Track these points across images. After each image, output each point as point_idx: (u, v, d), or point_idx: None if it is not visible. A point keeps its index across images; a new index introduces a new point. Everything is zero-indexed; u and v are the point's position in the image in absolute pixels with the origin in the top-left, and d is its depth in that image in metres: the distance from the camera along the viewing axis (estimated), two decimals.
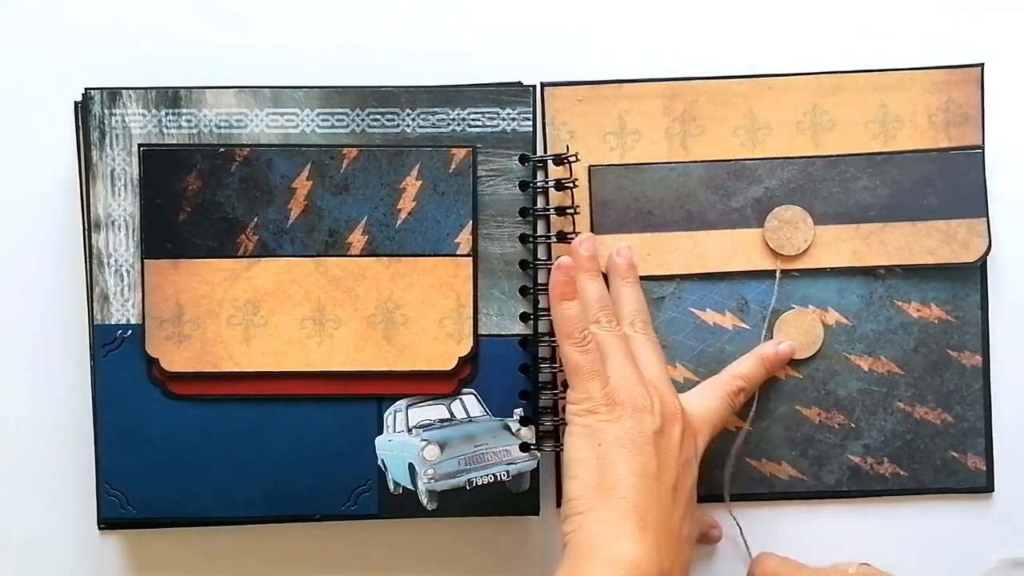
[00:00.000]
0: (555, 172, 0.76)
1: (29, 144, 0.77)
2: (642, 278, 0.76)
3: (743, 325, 0.77)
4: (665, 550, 0.65)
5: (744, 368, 0.75)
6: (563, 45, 0.78)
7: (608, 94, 0.77)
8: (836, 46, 0.78)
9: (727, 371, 0.75)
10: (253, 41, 0.78)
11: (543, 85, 0.77)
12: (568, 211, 0.76)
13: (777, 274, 0.77)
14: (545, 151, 0.77)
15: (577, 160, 0.76)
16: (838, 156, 0.76)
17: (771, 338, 0.77)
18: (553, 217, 0.76)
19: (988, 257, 0.76)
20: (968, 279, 0.77)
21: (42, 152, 0.77)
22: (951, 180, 0.76)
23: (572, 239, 0.75)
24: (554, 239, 0.76)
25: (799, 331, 0.77)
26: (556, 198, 0.76)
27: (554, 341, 0.75)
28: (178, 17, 0.78)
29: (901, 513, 0.78)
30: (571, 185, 0.75)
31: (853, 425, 0.77)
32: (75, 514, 0.77)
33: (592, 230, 0.76)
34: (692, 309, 0.77)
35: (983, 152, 0.76)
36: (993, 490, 0.77)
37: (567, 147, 0.76)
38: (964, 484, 0.77)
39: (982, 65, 0.77)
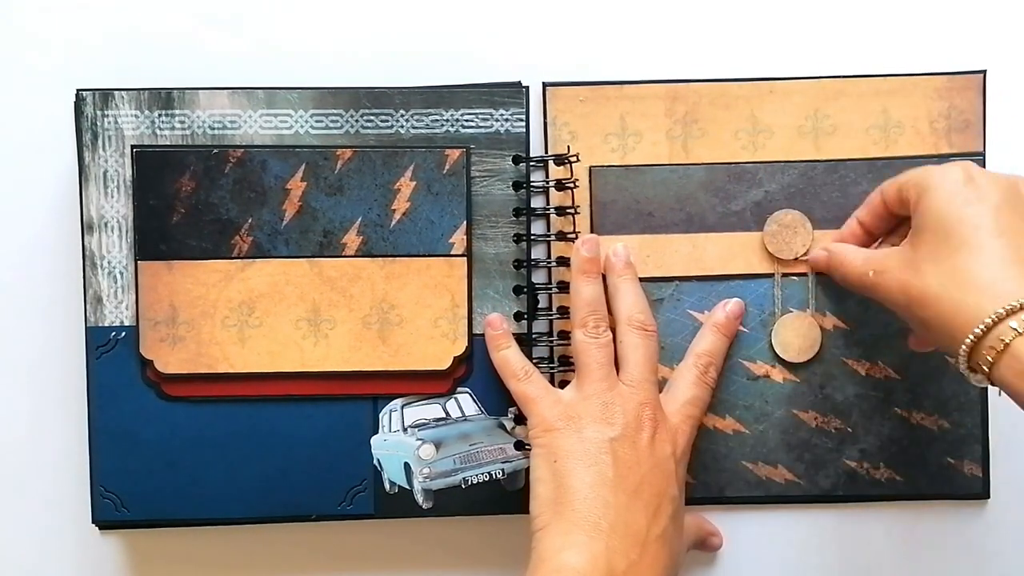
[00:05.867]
0: (556, 172, 0.76)
1: (29, 146, 0.77)
2: (641, 279, 0.75)
3: (741, 328, 0.76)
4: (620, 553, 0.66)
5: (705, 344, 0.75)
6: (565, 46, 0.77)
7: (610, 95, 0.76)
8: (838, 51, 0.77)
9: (690, 352, 0.75)
10: (247, 42, 0.77)
11: (545, 85, 0.76)
12: (568, 211, 0.75)
13: (776, 278, 0.76)
14: (546, 151, 0.76)
15: (578, 160, 0.75)
16: (839, 161, 0.76)
17: (771, 342, 0.76)
18: (553, 217, 0.76)
19: None
20: None
21: (42, 153, 0.76)
22: None
23: (572, 238, 0.75)
24: (553, 238, 0.76)
25: (797, 335, 0.76)
26: (557, 198, 0.76)
27: (552, 340, 0.76)
28: (171, 18, 0.77)
29: (896, 518, 0.78)
30: (572, 185, 0.75)
31: (850, 430, 0.77)
32: (74, 514, 0.77)
33: (592, 231, 0.76)
34: (691, 311, 0.77)
35: (984, 159, 0.76)
36: (988, 497, 0.77)
37: (568, 147, 0.76)
38: (960, 491, 0.77)
39: (984, 72, 0.76)
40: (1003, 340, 0.61)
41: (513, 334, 0.75)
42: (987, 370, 0.62)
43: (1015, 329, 0.60)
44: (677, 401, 0.73)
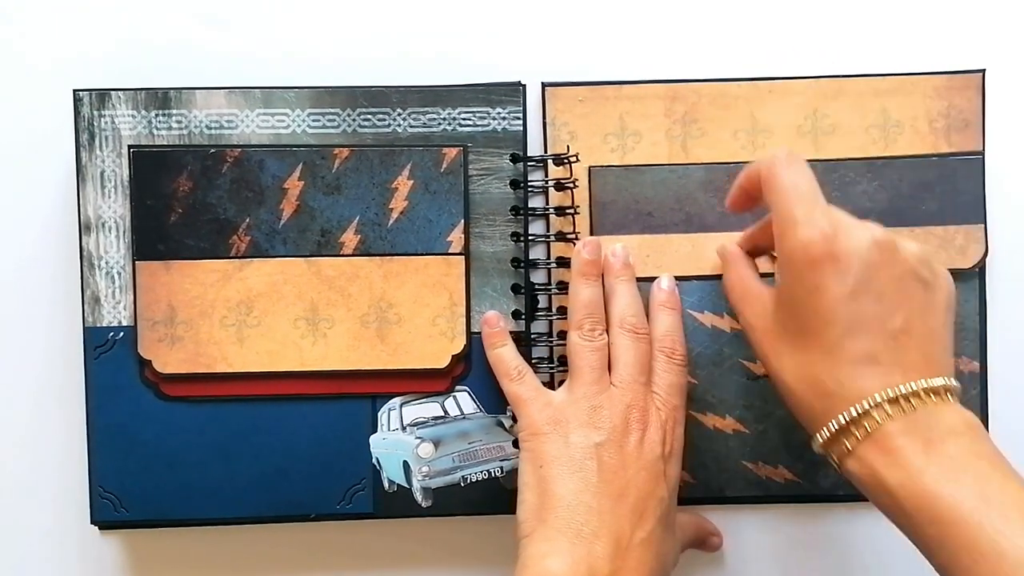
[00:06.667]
0: (555, 172, 0.76)
1: (27, 146, 0.77)
2: (641, 279, 0.75)
3: (741, 328, 0.76)
4: (603, 558, 0.66)
5: (659, 326, 0.74)
6: (565, 46, 0.77)
7: (609, 95, 0.76)
8: (838, 50, 0.77)
9: (655, 341, 0.74)
10: (243, 42, 0.77)
11: (544, 85, 0.76)
12: (568, 211, 0.75)
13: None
14: (546, 151, 0.76)
15: (577, 160, 0.75)
16: (838, 160, 0.75)
17: None
18: (553, 217, 0.76)
19: (987, 263, 0.76)
20: (966, 285, 0.76)
21: (40, 154, 0.76)
22: (950, 186, 0.75)
23: (572, 238, 0.75)
24: (553, 239, 0.76)
25: None
26: (556, 198, 0.76)
27: (551, 340, 0.76)
28: (168, 18, 0.77)
29: None
30: (571, 185, 0.75)
31: None
32: (73, 515, 0.77)
33: (591, 231, 0.76)
34: (690, 311, 0.76)
35: (983, 158, 0.75)
36: None
37: (567, 147, 0.76)
38: None
39: (984, 71, 0.76)
40: (847, 446, 0.64)
41: (511, 332, 0.75)
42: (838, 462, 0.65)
43: (856, 437, 0.63)
44: (659, 395, 0.72)
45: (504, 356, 0.74)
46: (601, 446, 0.69)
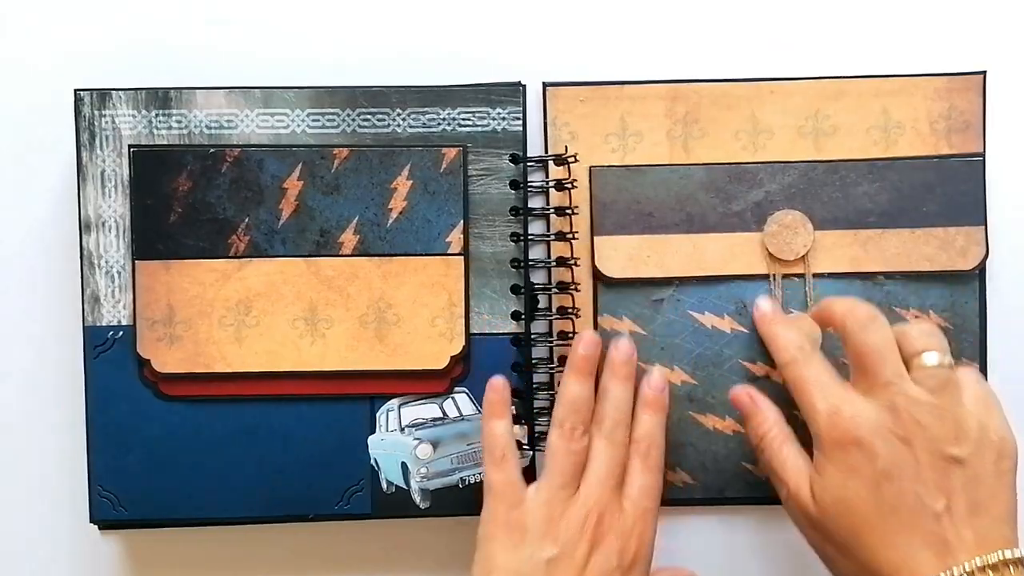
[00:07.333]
0: (555, 172, 0.76)
1: (28, 145, 0.77)
2: (641, 280, 0.75)
3: (741, 329, 0.76)
4: None
5: (639, 428, 0.73)
6: (565, 46, 0.77)
7: (610, 95, 0.76)
8: (839, 51, 0.77)
9: (632, 443, 0.73)
10: (243, 42, 0.77)
11: (545, 85, 0.76)
12: (567, 211, 0.75)
13: (777, 278, 0.76)
14: (546, 151, 0.76)
15: (576, 161, 0.75)
16: (839, 161, 0.75)
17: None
18: (553, 217, 0.76)
19: (987, 264, 0.76)
20: (967, 286, 0.76)
21: (40, 153, 0.77)
22: (951, 187, 0.75)
23: (571, 238, 0.75)
24: (552, 238, 0.76)
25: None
26: (556, 198, 0.76)
27: (549, 340, 0.75)
28: (168, 18, 0.77)
29: None
30: (570, 186, 0.75)
31: None
32: (73, 514, 0.77)
33: (592, 231, 0.76)
34: (691, 312, 0.76)
35: (984, 160, 0.75)
36: None
37: (566, 147, 0.75)
38: None
39: (984, 72, 0.76)
40: None
41: (510, 333, 0.75)
42: None
43: None
44: (630, 497, 0.71)
45: (496, 433, 0.72)
46: (551, 563, 0.68)
